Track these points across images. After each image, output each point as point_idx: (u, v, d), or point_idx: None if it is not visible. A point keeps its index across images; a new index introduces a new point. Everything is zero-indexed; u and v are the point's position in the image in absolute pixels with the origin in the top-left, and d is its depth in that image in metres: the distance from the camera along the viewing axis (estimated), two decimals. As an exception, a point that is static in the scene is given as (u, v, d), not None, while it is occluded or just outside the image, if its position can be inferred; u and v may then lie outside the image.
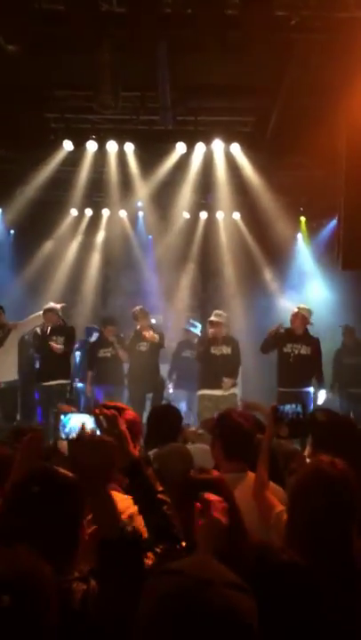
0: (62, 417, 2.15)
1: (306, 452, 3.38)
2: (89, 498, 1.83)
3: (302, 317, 8.16)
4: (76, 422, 2.14)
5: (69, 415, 2.17)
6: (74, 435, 2.05)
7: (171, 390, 10.00)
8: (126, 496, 2.40)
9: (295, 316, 8.19)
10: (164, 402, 8.88)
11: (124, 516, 2.24)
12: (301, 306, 8.38)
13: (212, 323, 8.61)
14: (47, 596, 1.34)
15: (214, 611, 1.11)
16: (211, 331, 8.59)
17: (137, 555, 1.75)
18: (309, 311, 8.30)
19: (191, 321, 10.16)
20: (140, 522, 2.25)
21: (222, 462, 3.29)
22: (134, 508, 2.32)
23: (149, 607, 1.15)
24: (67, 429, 2.14)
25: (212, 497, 2.00)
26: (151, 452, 3.64)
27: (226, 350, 8.54)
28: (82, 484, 1.83)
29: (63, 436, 2.14)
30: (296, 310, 8.24)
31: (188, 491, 2.32)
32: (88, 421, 2.14)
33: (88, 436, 1.92)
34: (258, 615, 1.17)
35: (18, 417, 8.75)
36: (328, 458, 2.26)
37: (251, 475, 3.16)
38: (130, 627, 1.21)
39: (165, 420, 4.19)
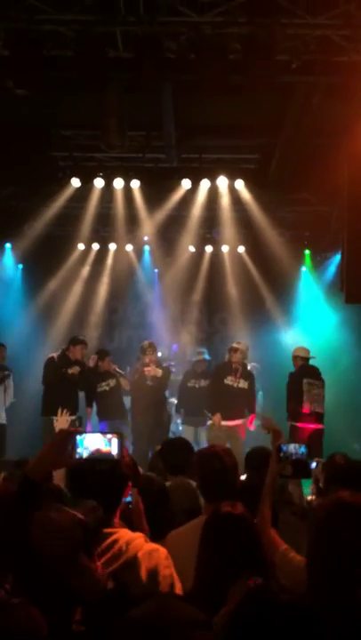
0: (77, 437, 2.17)
1: (311, 489, 3.41)
2: (65, 571, 1.85)
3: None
4: (91, 443, 2.18)
5: (84, 435, 2.19)
6: (87, 454, 2.13)
7: (180, 427, 9.93)
8: (138, 534, 2.44)
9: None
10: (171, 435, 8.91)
11: (140, 553, 2.29)
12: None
13: (232, 349, 8.91)
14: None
15: None
16: (232, 355, 8.88)
17: (125, 607, 1.78)
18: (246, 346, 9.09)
19: (199, 349, 10.19)
20: (156, 558, 2.29)
21: (204, 504, 3.30)
22: (148, 546, 2.36)
23: None
24: (81, 450, 2.16)
25: None
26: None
27: (243, 384, 8.76)
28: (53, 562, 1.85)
29: (77, 456, 2.15)
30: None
31: (215, 524, 2.36)
32: (102, 442, 2.19)
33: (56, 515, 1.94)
34: None
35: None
36: (348, 492, 2.30)
37: None
38: None
39: (176, 453, 4.24)
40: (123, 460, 2.42)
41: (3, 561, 1.88)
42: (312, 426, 8.27)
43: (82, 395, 8.95)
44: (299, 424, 8.28)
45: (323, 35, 5.93)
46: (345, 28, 5.82)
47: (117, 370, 9.13)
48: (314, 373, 8.54)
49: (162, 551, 2.38)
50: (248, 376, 8.99)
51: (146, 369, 8.97)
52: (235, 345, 9.08)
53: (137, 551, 2.32)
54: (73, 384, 8.53)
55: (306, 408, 8.29)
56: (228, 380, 8.84)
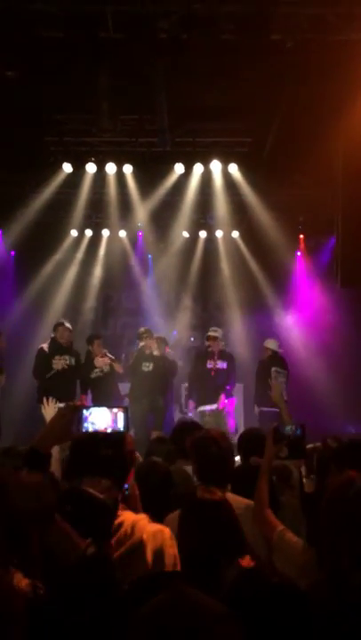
0: (84, 411, 2.17)
1: (303, 472, 3.40)
2: (42, 534, 1.85)
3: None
4: (97, 417, 2.19)
5: (90, 409, 2.20)
6: (94, 429, 2.14)
7: (191, 413, 9.65)
8: (142, 515, 2.43)
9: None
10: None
11: (145, 535, 2.29)
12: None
13: (209, 337, 9.15)
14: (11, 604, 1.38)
15: None
16: (208, 344, 9.11)
17: (104, 575, 1.75)
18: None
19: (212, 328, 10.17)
20: (161, 538, 2.29)
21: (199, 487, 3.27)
22: (153, 527, 2.35)
23: None
24: (87, 424, 2.17)
25: None
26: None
27: (221, 365, 8.93)
28: (29, 522, 1.85)
29: (84, 429, 2.17)
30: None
31: (192, 509, 2.36)
32: (108, 417, 2.20)
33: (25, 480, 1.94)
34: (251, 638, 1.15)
35: None
36: (355, 472, 2.31)
37: (230, 497, 3.13)
38: None
39: (188, 437, 4.22)
40: (127, 446, 2.42)
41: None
42: (277, 410, 8.67)
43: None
44: (265, 408, 8.82)
45: (317, 13, 5.86)
46: (339, 6, 5.74)
47: (108, 354, 9.10)
48: (282, 363, 9.36)
49: (166, 531, 2.39)
50: (227, 357, 9.22)
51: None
52: (211, 333, 9.33)
53: (142, 533, 2.33)
54: (62, 372, 8.54)
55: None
56: (209, 364, 9.07)
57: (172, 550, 2.35)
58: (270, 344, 9.58)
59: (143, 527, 2.35)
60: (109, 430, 2.23)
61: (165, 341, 9.66)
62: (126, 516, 2.38)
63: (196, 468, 3.27)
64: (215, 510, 2.46)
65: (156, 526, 2.42)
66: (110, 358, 9.07)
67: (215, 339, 9.15)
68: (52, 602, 1.64)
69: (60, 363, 8.58)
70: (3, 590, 1.44)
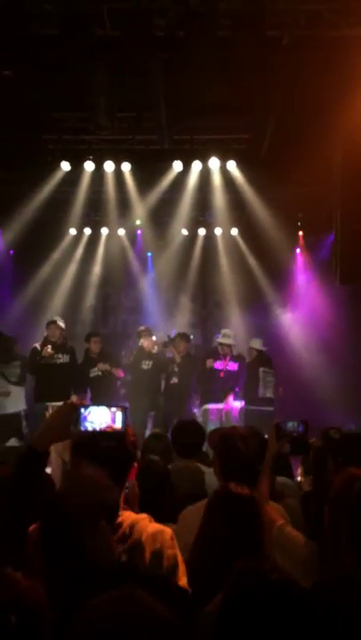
0: (82, 410, 2.16)
1: (299, 470, 3.40)
2: (84, 535, 1.83)
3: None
4: (96, 416, 2.18)
5: (89, 409, 2.18)
6: (92, 428, 2.12)
7: (195, 410, 9.71)
8: (143, 515, 2.41)
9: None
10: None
11: (144, 535, 2.26)
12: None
13: (222, 344, 9.18)
14: (43, 612, 1.37)
15: None
16: (222, 353, 9.13)
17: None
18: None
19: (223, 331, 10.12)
20: (161, 540, 2.26)
21: (220, 480, 3.28)
22: (153, 527, 2.33)
23: None
24: (86, 423, 2.16)
25: None
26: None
27: (232, 367, 8.91)
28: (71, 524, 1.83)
29: (82, 428, 2.15)
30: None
31: (223, 502, 2.34)
32: (107, 415, 2.19)
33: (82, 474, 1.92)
34: (250, 635, 1.13)
35: None
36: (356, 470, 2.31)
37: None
38: None
39: (187, 436, 4.21)
40: (128, 438, 2.39)
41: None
42: (264, 408, 9.29)
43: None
44: (251, 407, 9.21)
45: (313, 9, 5.83)
46: (336, 2, 5.72)
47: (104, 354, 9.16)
48: (268, 363, 9.61)
49: (167, 532, 2.34)
50: (239, 359, 9.27)
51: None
52: (226, 341, 9.29)
53: (141, 534, 2.28)
54: (54, 368, 8.60)
55: (261, 393, 9.40)
56: (218, 365, 9.07)
57: (171, 552, 2.30)
58: (255, 344, 9.67)
59: (143, 528, 2.31)
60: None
61: (187, 337, 9.57)
62: (126, 516, 2.34)
63: (219, 464, 3.25)
64: (247, 505, 2.42)
65: (157, 527, 2.37)
66: (109, 357, 9.11)
67: (229, 346, 9.18)
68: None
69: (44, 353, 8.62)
70: (28, 590, 1.42)
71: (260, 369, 9.40)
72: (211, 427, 8.09)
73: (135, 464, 2.52)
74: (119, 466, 2.41)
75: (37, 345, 8.73)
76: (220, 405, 8.93)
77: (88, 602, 1.19)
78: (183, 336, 9.38)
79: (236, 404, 9.10)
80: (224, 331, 9.58)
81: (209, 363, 9.00)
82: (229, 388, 8.97)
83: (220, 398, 8.90)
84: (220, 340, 9.31)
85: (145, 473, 2.91)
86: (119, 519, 2.30)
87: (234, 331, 9.95)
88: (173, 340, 9.20)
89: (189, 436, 4.20)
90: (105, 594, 1.19)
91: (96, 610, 1.13)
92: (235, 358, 9.17)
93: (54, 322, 8.81)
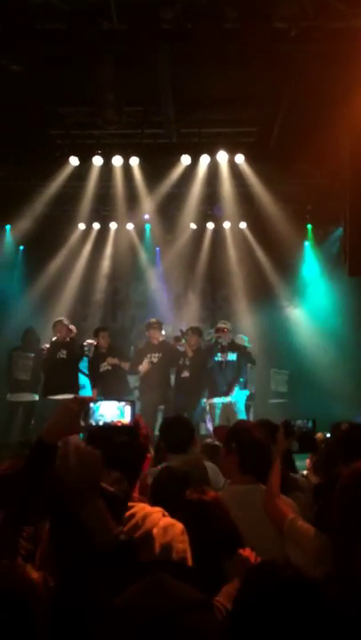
0: (92, 404, 2.19)
1: (307, 464, 3.40)
2: (80, 511, 1.85)
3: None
4: (106, 409, 2.21)
5: (99, 403, 2.22)
6: (103, 422, 2.16)
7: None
8: (157, 508, 2.43)
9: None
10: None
11: (156, 528, 2.28)
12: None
13: (218, 329, 9.15)
14: (41, 599, 1.39)
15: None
16: (217, 335, 9.08)
17: (132, 562, 1.75)
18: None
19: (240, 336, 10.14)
20: (172, 533, 2.28)
21: (235, 474, 3.29)
22: (165, 521, 2.34)
23: None
24: (96, 416, 2.19)
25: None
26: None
27: (231, 357, 8.91)
28: (70, 497, 1.86)
29: (93, 422, 2.18)
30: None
31: (186, 509, 2.36)
32: (116, 410, 2.22)
33: (75, 447, 1.97)
34: (264, 631, 1.15)
35: None
36: None
37: (263, 487, 3.16)
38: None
39: (176, 432, 4.20)
40: (141, 432, 2.41)
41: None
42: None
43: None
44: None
45: (321, 0, 5.78)
46: (343, -7, 5.68)
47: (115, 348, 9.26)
48: (250, 358, 9.48)
49: (178, 526, 2.35)
50: (236, 348, 9.20)
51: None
52: (221, 325, 9.29)
53: (153, 526, 2.30)
54: (54, 363, 8.86)
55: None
56: (218, 357, 9.04)
57: (181, 546, 2.31)
58: (238, 340, 9.63)
59: (155, 520, 2.32)
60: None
61: (200, 331, 9.61)
62: (139, 508, 2.36)
63: (238, 458, 3.26)
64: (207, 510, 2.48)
65: (169, 521, 2.38)
66: (119, 352, 9.19)
67: (223, 330, 9.11)
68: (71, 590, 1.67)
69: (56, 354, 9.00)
70: (21, 578, 1.45)
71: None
72: (217, 421, 8.16)
73: (148, 456, 2.54)
74: (133, 459, 2.44)
75: (46, 346, 9.12)
76: (228, 399, 8.90)
77: (118, 598, 1.21)
78: (195, 330, 9.38)
79: (241, 395, 9.11)
80: (221, 321, 9.62)
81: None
82: (232, 380, 8.96)
83: (224, 391, 8.90)
84: (219, 324, 9.33)
85: (166, 480, 2.93)
86: (132, 511, 2.32)
87: (242, 324, 9.96)
88: (186, 334, 9.20)
89: (179, 432, 4.18)
90: (134, 585, 1.21)
91: (132, 601, 1.15)
92: (232, 347, 9.13)
93: (60, 321, 9.18)
